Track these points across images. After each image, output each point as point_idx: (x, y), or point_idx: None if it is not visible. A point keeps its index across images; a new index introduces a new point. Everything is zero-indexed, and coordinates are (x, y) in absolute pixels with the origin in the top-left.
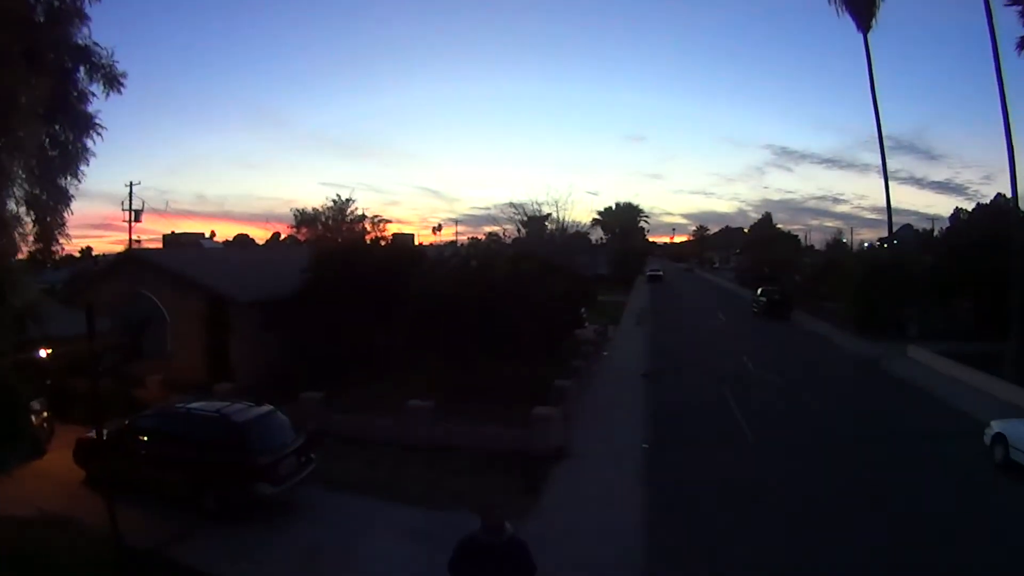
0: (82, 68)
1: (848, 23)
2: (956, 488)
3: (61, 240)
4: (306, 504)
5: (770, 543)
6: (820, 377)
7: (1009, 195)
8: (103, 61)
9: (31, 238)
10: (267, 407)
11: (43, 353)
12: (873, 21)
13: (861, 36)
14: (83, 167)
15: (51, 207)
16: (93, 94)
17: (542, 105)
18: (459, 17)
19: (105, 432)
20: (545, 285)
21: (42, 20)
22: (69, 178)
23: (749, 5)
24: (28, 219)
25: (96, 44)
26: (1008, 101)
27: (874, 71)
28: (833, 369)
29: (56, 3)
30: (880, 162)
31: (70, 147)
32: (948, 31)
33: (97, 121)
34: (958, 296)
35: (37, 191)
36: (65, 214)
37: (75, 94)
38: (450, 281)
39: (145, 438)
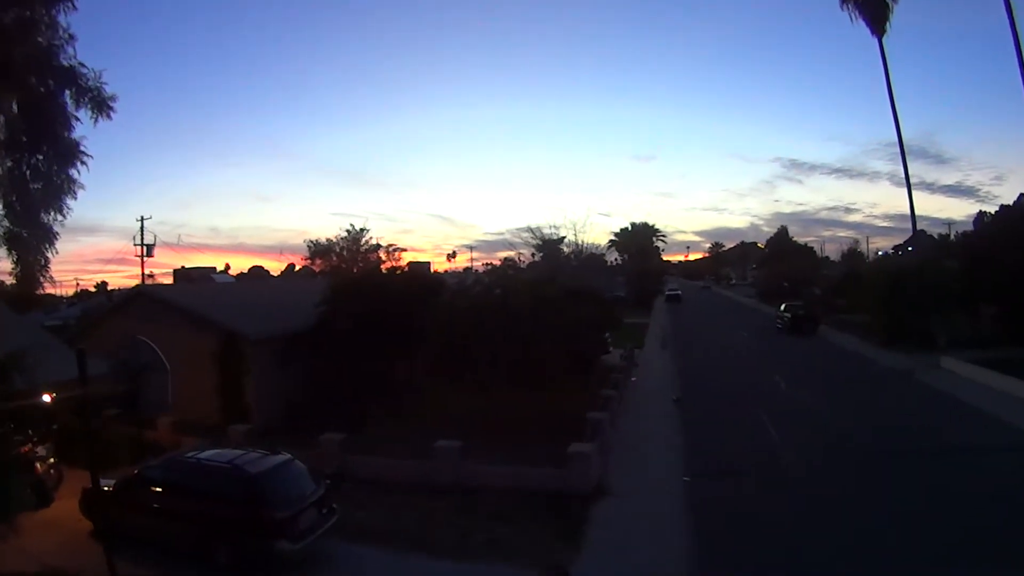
0: (67, 92)
1: (854, 31)
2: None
3: (44, 281)
4: (327, 557)
5: None
6: (857, 395)
7: (1022, 196)
8: (90, 84)
9: (12, 279)
10: (284, 455)
11: (47, 398)
12: (887, 25)
13: (876, 41)
14: (70, 200)
15: (33, 245)
16: (77, 118)
17: (550, 128)
18: (465, 43)
19: (112, 483)
20: (571, 311)
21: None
22: (53, 213)
23: (750, 20)
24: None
25: (82, 65)
26: None
27: (891, 75)
28: (869, 385)
29: (27, 13)
30: (902, 168)
31: (54, 178)
32: (951, 34)
33: (83, 149)
34: (984, 302)
35: (18, 229)
36: (49, 254)
37: (59, 120)
38: (473, 311)
39: (154, 489)
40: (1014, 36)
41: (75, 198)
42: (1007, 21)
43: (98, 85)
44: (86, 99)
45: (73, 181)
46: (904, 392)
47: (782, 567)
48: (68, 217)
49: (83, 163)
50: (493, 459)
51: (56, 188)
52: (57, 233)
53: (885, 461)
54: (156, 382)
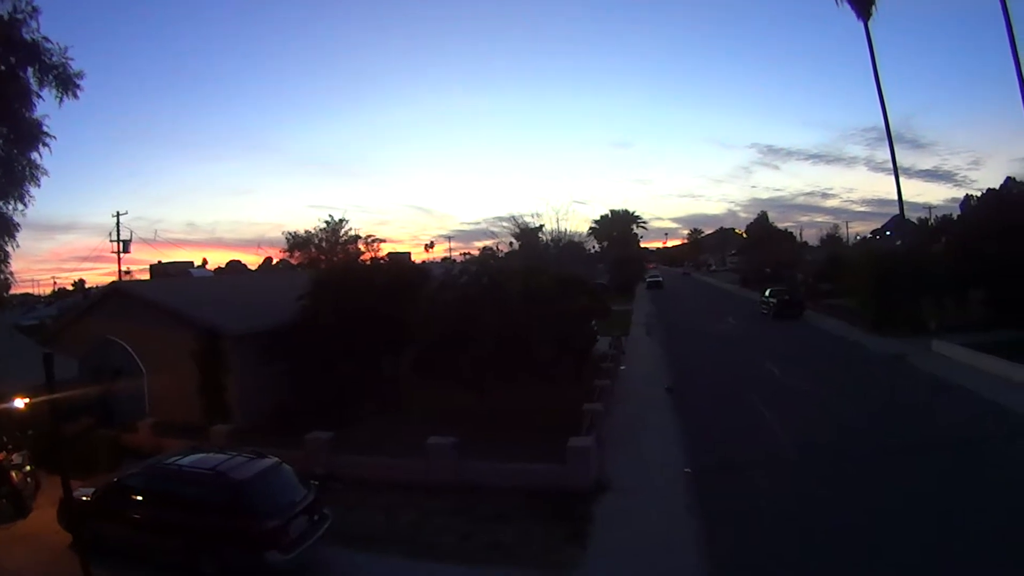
0: (30, 69)
1: (832, 15)
2: None
3: (4, 277)
4: (322, 567)
5: None
6: (851, 379)
7: (1008, 180)
8: (55, 60)
9: None
10: (271, 459)
11: (20, 403)
12: (873, 8)
13: (861, 25)
14: (32, 188)
15: None
16: (40, 96)
17: (526, 117)
18: (440, 33)
19: (91, 491)
20: (563, 301)
21: None
22: (14, 203)
23: (726, 5)
24: None
25: (47, 39)
26: None
27: (877, 60)
28: (862, 369)
29: None
30: (880, 153)
31: (15, 164)
32: (927, 17)
33: (46, 129)
34: (973, 286)
35: None
36: (9, 247)
37: (20, 98)
38: (463, 303)
39: (134, 498)
40: (1006, 17)
41: (38, 185)
42: (984, 4)
43: (63, 61)
44: (50, 77)
45: (36, 166)
46: (898, 376)
47: (797, 559)
48: (30, 207)
49: (46, 145)
50: (488, 456)
51: (16, 174)
52: (18, 224)
53: (887, 445)
54: (132, 385)
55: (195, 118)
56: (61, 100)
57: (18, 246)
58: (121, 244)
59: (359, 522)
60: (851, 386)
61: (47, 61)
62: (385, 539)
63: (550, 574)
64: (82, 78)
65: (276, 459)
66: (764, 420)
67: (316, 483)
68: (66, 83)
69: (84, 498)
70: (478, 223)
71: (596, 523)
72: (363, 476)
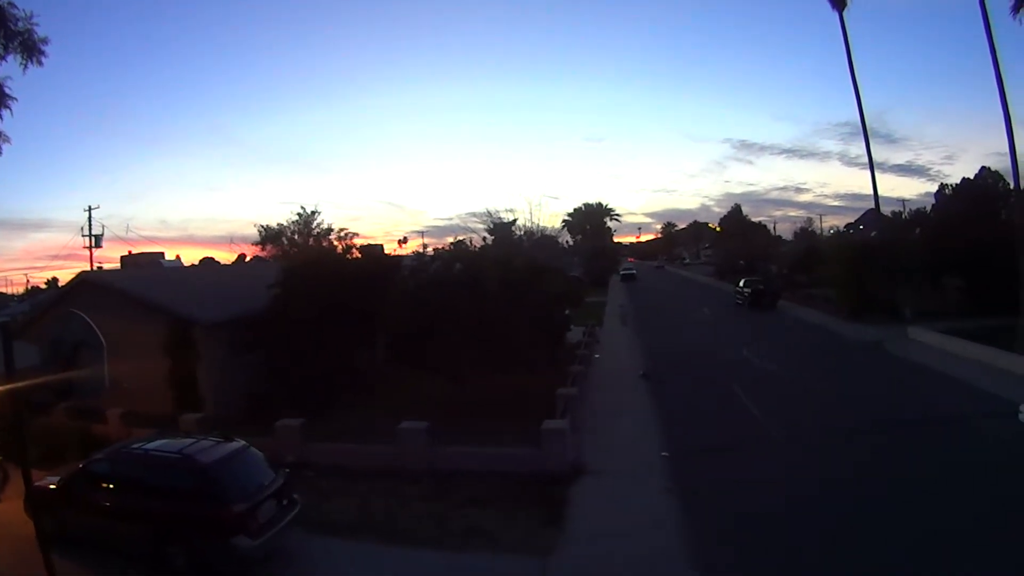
0: None
1: (804, 8)
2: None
3: None
4: (293, 553)
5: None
6: (828, 365)
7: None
8: (20, 27)
9: None
10: (238, 443)
11: None
12: None
13: (836, 15)
14: None
15: None
16: (4, 59)
17: (498, 114)
18: (412, 26)
19: (57, 480)
20: (540, 286)
21: None
22: None
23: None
24: None
25: (12, 4)
26: (1003, 71)
27: (852, 51)
28: (839, 356)
29: None
30: (854, 148)
31: None
32: (900, 11)
33: (7, 91)
34: (948, 274)
35: None
36: None
37: None
38: (433, 288)
39: (100, 485)
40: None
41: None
42: None
43: (29, 27)
44: (15, 43)
45: None
46: (874, 362)
47: (775, 540)
48: None
49: (7, 107)
50: (464, 441)
51: None
52: None
53: (865, 429)
54: (97, 373)
55: (165, 114)
56: (25, 66)
57: None
58: (93, 239)
59: (332, 509)
60: (828, 372)
61: (12, 28)
62: (359, 525)
63: (527, 558)
64: (47, 44)
65: (243, 442)
66: (741, 404)
67: (287, 470)
68: (31, 49)
69: (51, 487)
70: (451, 219)
71: (573, 506)
72: (336, 463)
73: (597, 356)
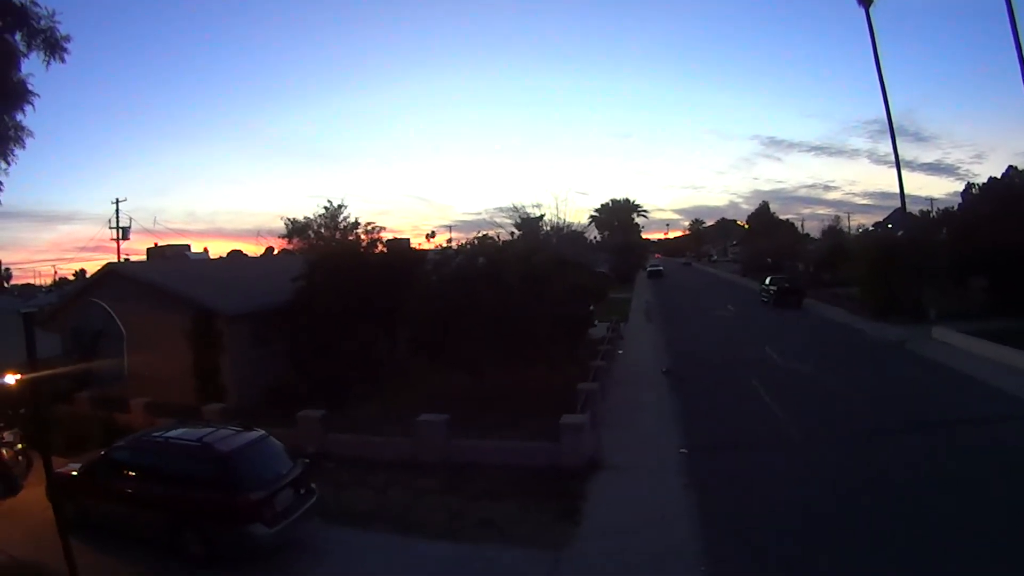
0: (18, 33)
1: (834, 4)
2: None
3: None
4: (309, 543)
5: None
6: (852, 364)
7: (1011, 169)
8: (43, 24)
9: None
10: (258, 432)
11: (10, 379)
12: None
13: (863, 12)
14: (17, 149)
15: None
16: (26, 55)
17: (528, 109)
18: (440, 22)
19: (79, 467)
20: (563, 279)
21: None
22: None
23: None
24: None
25: (35, 3)
26: None
27: (878, 47)
28: (862, 355)
29: None
30: (883, 145)
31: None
32: (929, 8)
33: (31, 88)
34: (975, 274)
35: None
36: None
37: (7, 60)
38: (456, 282)
39: (121, 472)
40: (1009, 9)
41: (23, 146)
42: None
43: (51, 25)
44: (39, 40)
45: (21, 127)
46: (898, 361)
47: (793, 537)
48: (13, 165)
49: (30, 104)
50: (481, 434)
51: (1, 134)
52: (1, 183)
53: (886, 429)
54: (117, 362)
55: (194, 109)
56: (48, 63)
57: (0, 204)
58: (120, 231)
59: (350, 499)
60: (851, 371)
61: (35, 25)
62: (375, 516)
63: (542, 552)
64: (69, 41)
65: (262, 432)
66: (763, 402)
67: (307, 460)
68: (53, 46)
69: (72, 473)
70: (479, 214)
71: (589, 501)
72: (355, 454)
73: (620, 352)
